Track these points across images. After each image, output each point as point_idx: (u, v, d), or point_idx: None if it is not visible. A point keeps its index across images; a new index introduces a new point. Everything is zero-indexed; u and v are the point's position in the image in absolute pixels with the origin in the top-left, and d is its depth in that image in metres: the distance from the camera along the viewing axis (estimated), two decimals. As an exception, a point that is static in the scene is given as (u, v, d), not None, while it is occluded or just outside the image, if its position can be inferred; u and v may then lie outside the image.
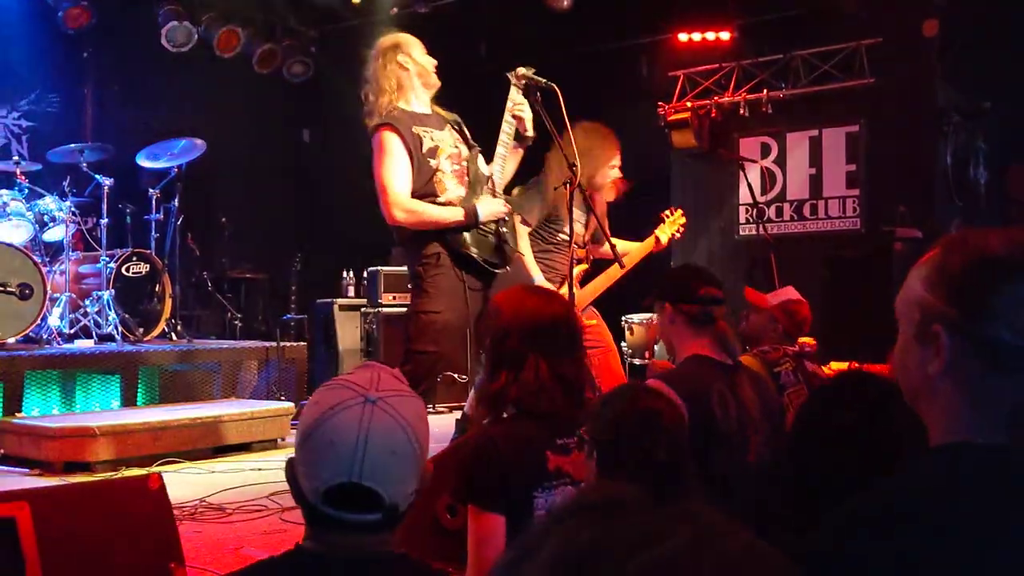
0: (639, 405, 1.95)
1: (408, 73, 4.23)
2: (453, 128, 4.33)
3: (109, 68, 8.25)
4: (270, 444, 5.81)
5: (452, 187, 4.20)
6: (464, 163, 4.26)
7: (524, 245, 4.75)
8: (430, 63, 4.31)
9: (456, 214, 4.12)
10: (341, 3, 8.25)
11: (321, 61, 9.19)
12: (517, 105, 4.27)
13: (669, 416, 1.96)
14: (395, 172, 4.10)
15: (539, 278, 4.75)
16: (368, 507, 1.39)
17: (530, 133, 4.33)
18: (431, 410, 5.44)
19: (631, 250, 5.04)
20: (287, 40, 9.02)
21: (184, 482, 4.75)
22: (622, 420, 1.92)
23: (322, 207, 9.25)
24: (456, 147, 4.27)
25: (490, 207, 4.20)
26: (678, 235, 5.16)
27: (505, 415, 2.34)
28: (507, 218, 4.33)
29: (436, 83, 4.32)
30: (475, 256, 4.17)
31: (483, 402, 2.38)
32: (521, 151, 4.44)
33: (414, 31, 8.34)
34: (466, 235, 4.16)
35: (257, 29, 8.82)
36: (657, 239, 5.09)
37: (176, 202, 7.11)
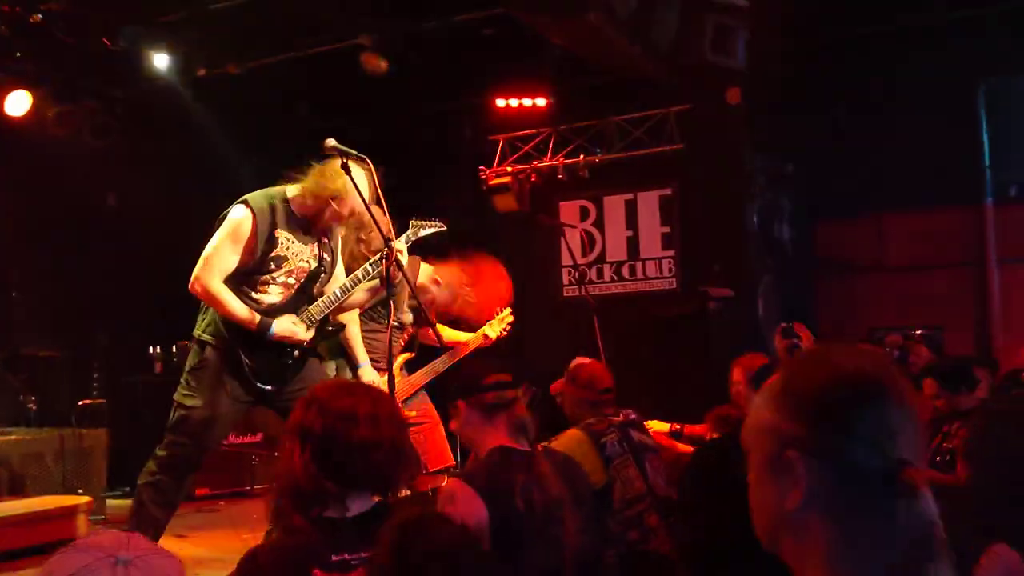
0: (408, 530, 1.86)
1: (325, 202, 4.09)
2: (319, 245, 4.23)
3: None
4: (64, 546, 5.27)
5: (273, 294, 4.14)
6: (303, 278, 4.18)
7: (353, 326, 4.65)
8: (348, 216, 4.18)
9: (249, 317, 4.04)
10: (146, 65, 7.82)
11: (125, 124, 8.68)
12: (399, 252, 4.06)
13: (446, 536, 1.86)
14: (223, 251, 4.04)
15: (364, 359, 4.65)
16: None
17: (398, 283, 4.15)
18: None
19: (459, 340, 5.01)
20: (88, 102, 8.47)
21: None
22: (394, 541, 1.83)
23: (129, 278, 8.67)
24: (308, 262, 4.20)
25: (285, 328, 4.11)
26: (505, 333, 5.13)
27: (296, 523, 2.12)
28: (301, 347, 4.22)
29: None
30: (245, 363, 4.08)
31: (270, 516, 2.18)
32: (382, 291, 4.24)
33: (226, 92, 8.11)
34: (250, 341, 4.06)
35: (53, 90, 8.23)
36: (485, 335, 5.04)
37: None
